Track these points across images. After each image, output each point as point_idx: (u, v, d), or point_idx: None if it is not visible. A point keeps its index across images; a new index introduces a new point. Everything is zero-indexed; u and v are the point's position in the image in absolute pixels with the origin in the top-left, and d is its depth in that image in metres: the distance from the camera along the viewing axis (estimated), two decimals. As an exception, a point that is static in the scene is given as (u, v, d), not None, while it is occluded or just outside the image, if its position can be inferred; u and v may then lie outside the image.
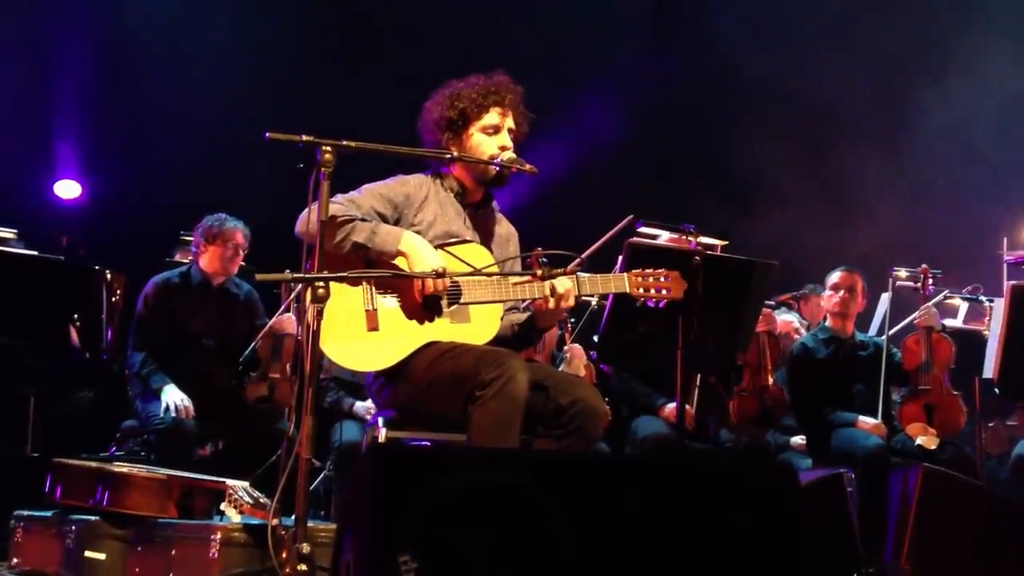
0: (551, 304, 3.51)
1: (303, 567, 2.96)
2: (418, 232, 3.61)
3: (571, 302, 3.54)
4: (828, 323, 5.98)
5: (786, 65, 8.21)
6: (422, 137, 3.80)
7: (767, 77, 8.28)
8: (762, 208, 7.98)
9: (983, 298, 6.46)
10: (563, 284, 3.49)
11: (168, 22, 7.96)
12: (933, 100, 8.06)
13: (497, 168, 3.69)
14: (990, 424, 6.22)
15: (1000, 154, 8.15)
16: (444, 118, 3.71)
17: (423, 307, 3.54)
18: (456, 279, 3.52)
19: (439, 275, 3.41)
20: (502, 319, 3.67)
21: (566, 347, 5.83)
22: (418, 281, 3.49)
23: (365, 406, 5.67)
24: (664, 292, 3.63)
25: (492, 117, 3.72)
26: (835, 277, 5.92)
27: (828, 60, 8.37)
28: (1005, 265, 6.23)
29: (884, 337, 5.86)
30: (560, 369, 5.53)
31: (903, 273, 6.01)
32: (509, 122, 3.75)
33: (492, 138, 3.71)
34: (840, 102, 8.43)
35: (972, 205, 7.86)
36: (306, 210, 3.34)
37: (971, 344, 5.84)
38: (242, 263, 5.74)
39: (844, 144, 8.44)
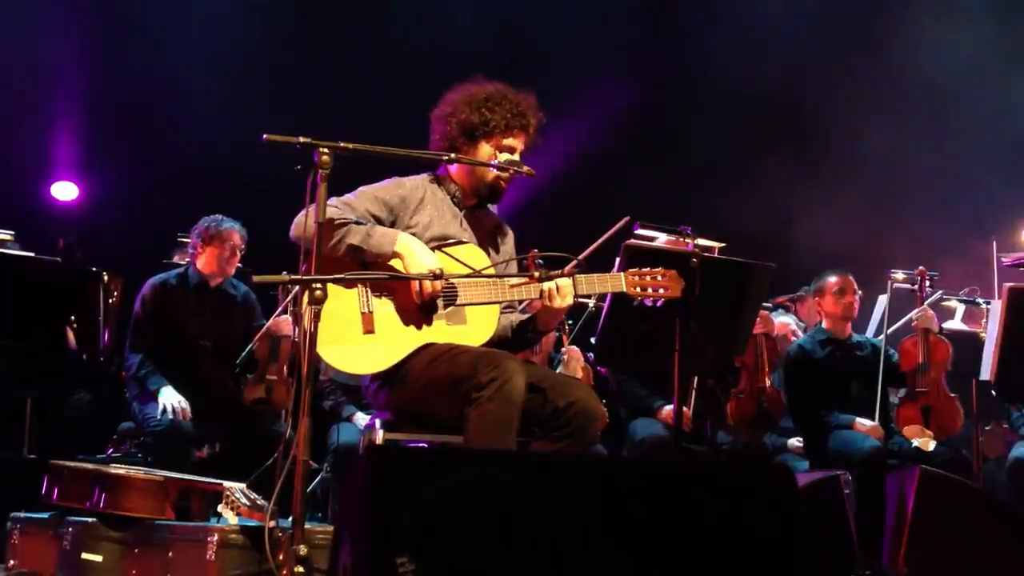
0: (548, 301, 3.50)
1: (300, 569, 2.96)
2: (414, 234, 3.61)
3: (569, 300, 3.54)
4: (825, 325, 5.97)
5: (778, 66, 8.24)
6: (433, 125, 3.79)
7: (757, 78, 8.30)
8: (754, 209, 7.97)
9: (980, 300, 6.46)
10: (561, 281, 3.50)
11: (165, 23, 7.96)
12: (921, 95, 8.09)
13: (495, 171, 3.70)
14: (987, 427, 6.22)
15: (994, 152, 8.16)
16: (468, 121, 3.69)
17: (420, 309, 3.54)
18: (452, 280, 3.52)
19: (436, 276, 3.41)
20: (499, 320, 3.67)
21: (563, 349, 5.84)
22: (414, 283, 3.48)
23: (366, 418, 5.64)
24: (661, 291, 3.63)
25: (513, 140, 3.72)
26: (836, 281, 5.88)
27: (818, 54, 8.41)
28: (996, 265, 6.24)
29: (882, 338, 5.86)
30: (558, 371, 5.53)
31: (900, 275, 6.00)
32: (522, 146, 3.76)
33: (502, 156, 3.71)
34: (829, 98, 8.44)
35: (965, 204, 7.85)
36: (301, 213, 3.35)
37: (968, 346, 5.84)
38: (239, 264, 5.74)
39: (838, 142, 8.44)
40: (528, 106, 3.75)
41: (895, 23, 8.32)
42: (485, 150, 3.70)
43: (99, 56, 7.88)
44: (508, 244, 3.91)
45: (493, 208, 3.93)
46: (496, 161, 3.68)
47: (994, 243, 6.37)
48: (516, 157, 3.73)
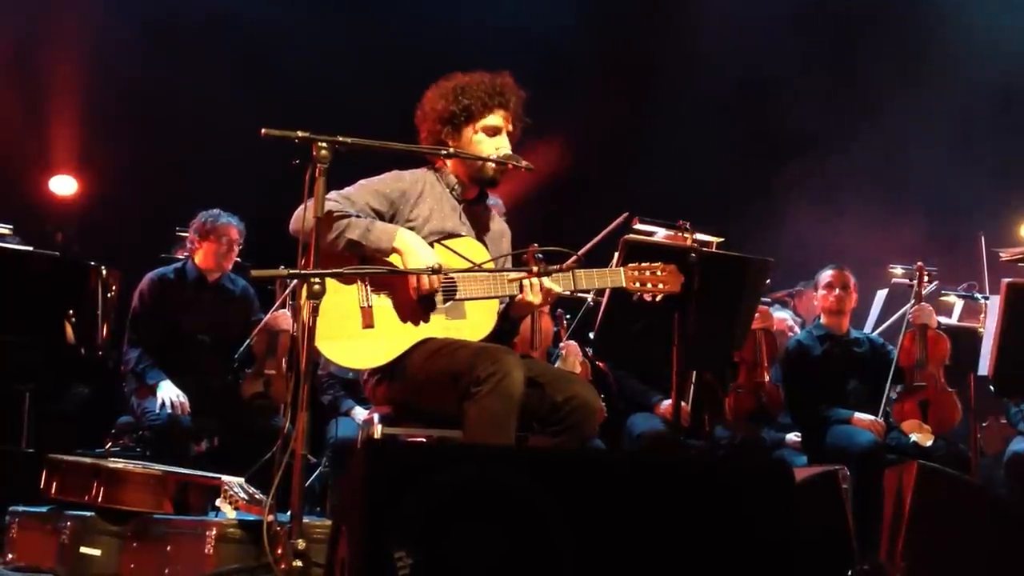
0: (524, 296, 3.50)
1: (298, 563, 2.96)
2: (413, 228, 3.60)
3: (539, 297, 3.51)
4: (823, 320, 5.98)
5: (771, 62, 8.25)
6: (419, 127, 3.79)
7: (754, 68, 8.30)
8: (751, 205, 7.97)
9: (978, 295, 6.46)
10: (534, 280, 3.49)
11: (162, 17, 7.94)
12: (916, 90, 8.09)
13: (494, 166, 3.69)
14: (983, 424, 6.22)
15: (992, 149, 8.15)
16: (447, 111, 3.69)
17: (419, 303, 3.54)
18: (451, 275, 3.51)
19: (435, 271, 3.41)
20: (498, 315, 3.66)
21: (562, 344, 5.84)
22: (413, 278, 3.48)
23: (364, 412, 5.63)
24: (661, 286, 3.62)
25: (495, 119, 3.71)
26: (827, 276, 5.93)
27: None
28: (985, 260, 6.25)
29: (877, 332, 5.86)
30: (556, 366, 5.52)
31: (899, 270, 6.01)
32: (508, 125, 3.74)
33: (491, 139, 3.70)
34: (824, 94, 8.45)
35: (962, 201, 7.85)
36: (300, 207, 3.34)
37: (967, 341, 5.84)
38: (237, 259, 5.74)
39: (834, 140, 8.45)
40: (505, 84, 3.74)
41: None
42: (471, 135, 3.70)
43: (97, 49, 7.86)
44: (505, 240, 3.90)
45: (495, 203, 3.92)
46: (494, 155, 3.68)
47: (982, 238, 6.38)
48: (504, 138, 3.72)
